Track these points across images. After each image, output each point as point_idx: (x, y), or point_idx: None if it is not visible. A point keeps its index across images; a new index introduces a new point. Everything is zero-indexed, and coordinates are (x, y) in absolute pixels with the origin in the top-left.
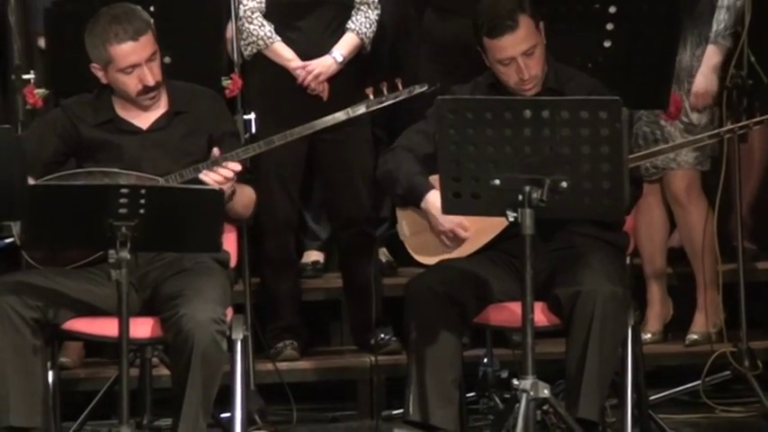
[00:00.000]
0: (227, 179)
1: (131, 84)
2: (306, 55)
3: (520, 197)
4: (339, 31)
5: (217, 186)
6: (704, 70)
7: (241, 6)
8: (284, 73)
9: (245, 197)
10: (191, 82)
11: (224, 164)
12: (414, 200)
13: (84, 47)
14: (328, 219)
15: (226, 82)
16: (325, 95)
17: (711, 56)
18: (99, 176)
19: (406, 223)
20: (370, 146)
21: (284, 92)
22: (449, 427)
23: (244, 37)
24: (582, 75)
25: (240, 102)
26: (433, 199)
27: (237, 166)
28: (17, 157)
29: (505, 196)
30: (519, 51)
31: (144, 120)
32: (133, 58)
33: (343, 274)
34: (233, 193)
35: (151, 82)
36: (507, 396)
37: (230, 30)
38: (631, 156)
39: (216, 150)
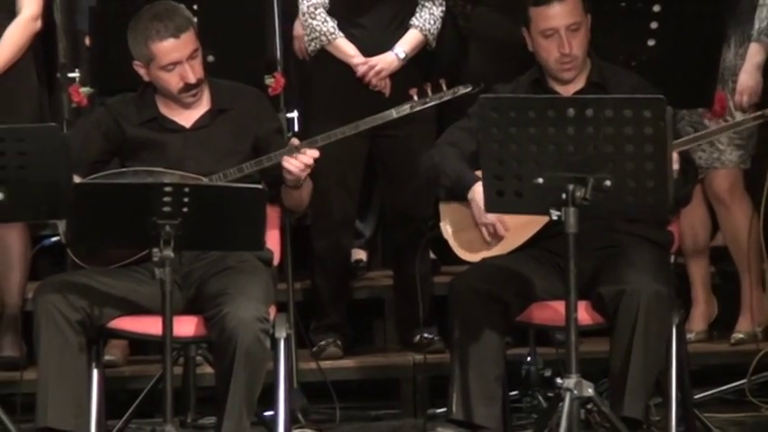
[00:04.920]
0: (308, 166)
1: (173, 81)
2: (369, 51)
3: (563, 195)
4: (402, 27)
5: (298, 172)
6: (748, 68)
7: (305, 2)
8: (347, 69)
9: (308, 189)
10: (234, 80)
11: (303, 151)
12: (460, 191)
13: (128, 45)
14: (384, 214)
15: (269, 80)
16: (387, 92)
17: (754, 54)
18: (143, 176)
19: (449, 220)
20: (433, 141)
21: (347, 87)
22: (492, 426)
23: (307, 33)
24: (625, 72)
25: (283, 100)
26: (480, 189)
27: (316, 153)
28: (63, 155)
29: (549, 195)
30: (564, 23)
31: (187, 118)
32: (174, 55)
33: (395, 272)
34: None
35: (192, 79)
36: (551, 395)
37: (296, 27)
38: (678, 140)
39: (295, 139)
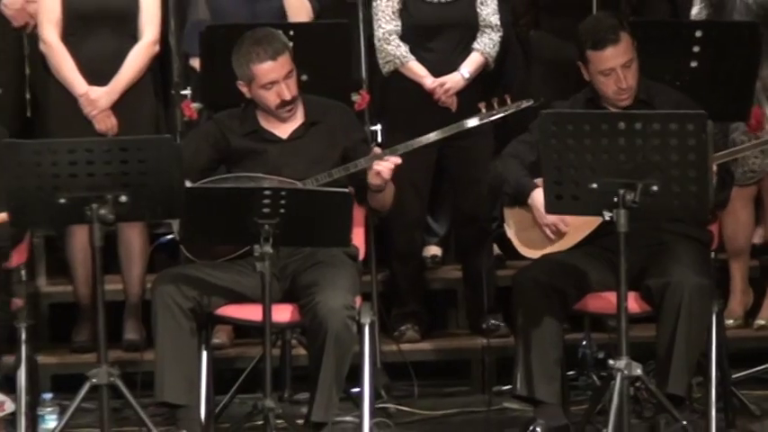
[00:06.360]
0: (390, 170)
1: (271, 98)
2: (437, 72)
3: (615, 199)
4: (466, 51)
5: (383, 176)
6: None
7: (380, 29)
8: (418, 88)
9: (390, 191)
10: (324, 97)
11: (386, 158)
12: (521, 197)
13: (232, 66)
14: (453, 215)
15: (355, 97)
16: (453, 108)
17: None
18: (245, 181)
19: (512, 221)
20: (492, 153)
21: (418, 104)
22: (552, 401)
23: (382, 56)
24: (669, 89)
25: (368, 114)
26: (538, 195)
27: (398, 160)
28: (176, 163)
29: (602, 198)
30: (619, 63)
31: (284, 130)
32: (272, 75)
33: (463, 266)
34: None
35: (288, 96)
36: (604, 374)
37: None
38: (717, 153)
39: (377, 148)
